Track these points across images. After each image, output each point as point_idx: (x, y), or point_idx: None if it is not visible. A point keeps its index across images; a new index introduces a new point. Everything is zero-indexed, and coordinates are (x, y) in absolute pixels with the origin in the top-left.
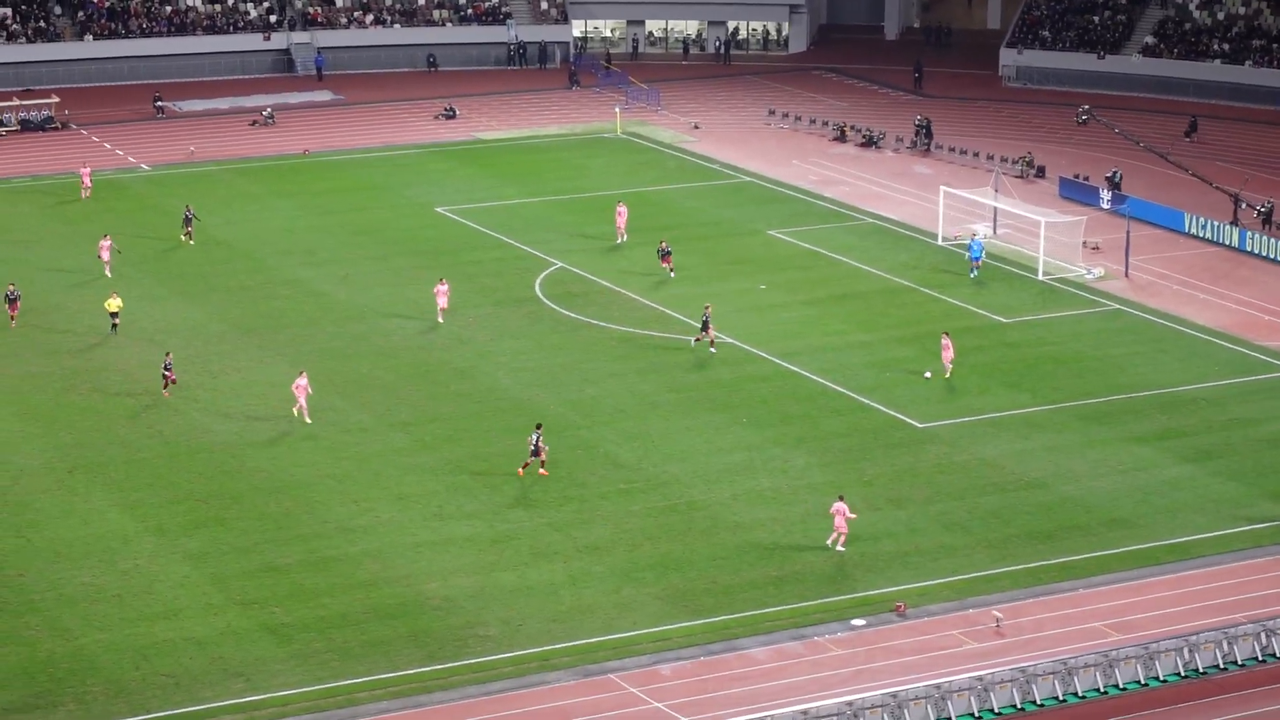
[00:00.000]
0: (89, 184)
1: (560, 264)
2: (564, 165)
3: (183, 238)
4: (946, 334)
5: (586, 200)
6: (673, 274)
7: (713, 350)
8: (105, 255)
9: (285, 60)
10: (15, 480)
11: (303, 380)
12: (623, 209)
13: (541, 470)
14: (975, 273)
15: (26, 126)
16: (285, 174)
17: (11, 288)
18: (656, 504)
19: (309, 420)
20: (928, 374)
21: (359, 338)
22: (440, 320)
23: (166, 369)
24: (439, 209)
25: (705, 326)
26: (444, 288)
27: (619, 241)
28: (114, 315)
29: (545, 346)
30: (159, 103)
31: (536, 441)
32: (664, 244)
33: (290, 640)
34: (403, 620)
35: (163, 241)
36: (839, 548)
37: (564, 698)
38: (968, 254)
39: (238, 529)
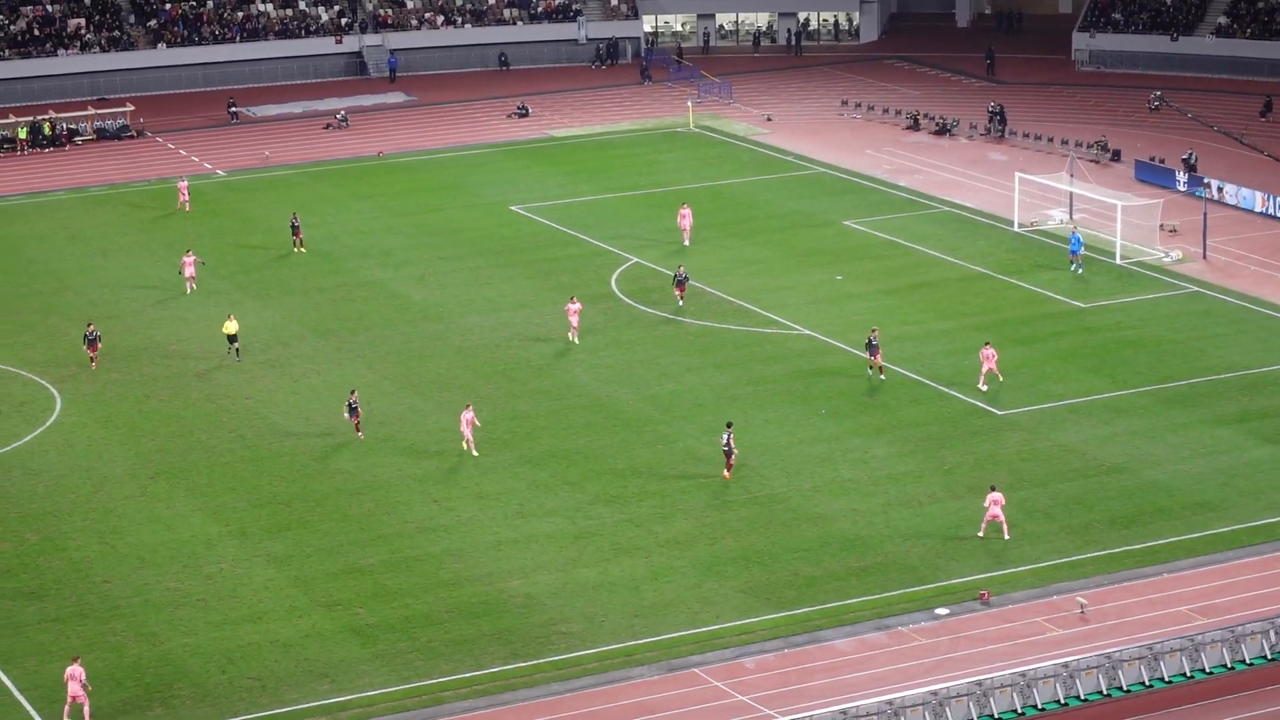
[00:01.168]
0: (186, 196)
1: (636, 259)
2: (637, 160)
3: (295, 249)
4: (989, 344)
5: (660, 195)
6: (681, 303)
7: (881, 377)
8: (189, 271)
9: (358, 63)
10: (98, 488)
11: (469, 414)
12: (686, 210)
13: (725, 473)
14: (1079, 268)
15: (102, 135)
16: (360, 176)
17: (90, 328)
18: (737, 497)
19: (476, 454)
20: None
21: (436, 337)
22: (574, 340)
23: (352, 407)
24: (514, 207)
25: (873, 350)
26: (576, 306)
27: (685, 245)
28: (232, 338)
29: (622, 342)
30: (233, 108)
31: (728, 441)
32: (681, 270)
33: (374, 641)
34: (486, 619)
35: (239, 245)
36: (1004, 537)
37: (648, 693)
38: (1068, 248)
39: (321, 531)
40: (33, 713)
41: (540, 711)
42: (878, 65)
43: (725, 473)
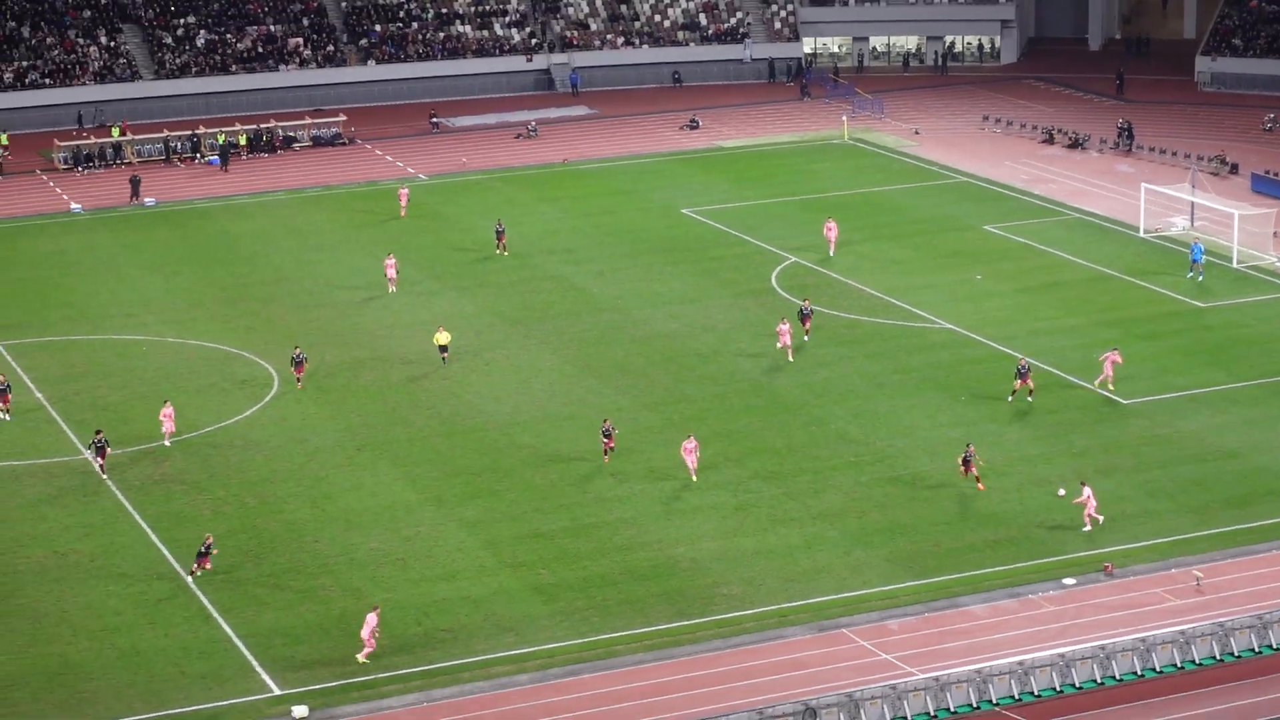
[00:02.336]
0: (405, 202)
1: (794, 259)
2: (796, 169)
3: (498, 250)
4: (1116, 348)
5: (817, 201)
6: (807, 337)
7: (1030, 399)
8: (391, 273)
9: (546, 79)
10: (310, 458)
11: (691, 443)
12: (832, 224)
13: (979, 484)
14: (1198, 275)
15: (317, 142)
16: (547, 181)
17: (297, 350)
18: (884, 475)
19: (695, 478)
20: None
21: (614, 327)
22: (789, 359)
23: (606, 434)
24: (684, 210)
25: (1023, 375)
26: (785, 327)
27: (830, 255)
28: (443, 349)
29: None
30: (434, 119)
31: (968, 455)
32: (806, 304)
33: (555, 599)
34: (655, 580)
35: (438, 242)
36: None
37: (800, 650)
38: (1189, 255)
39: (508, 499)
40: (250, 658)
41: (702, 665)
42: (1016, 84)
43: (979, 484)
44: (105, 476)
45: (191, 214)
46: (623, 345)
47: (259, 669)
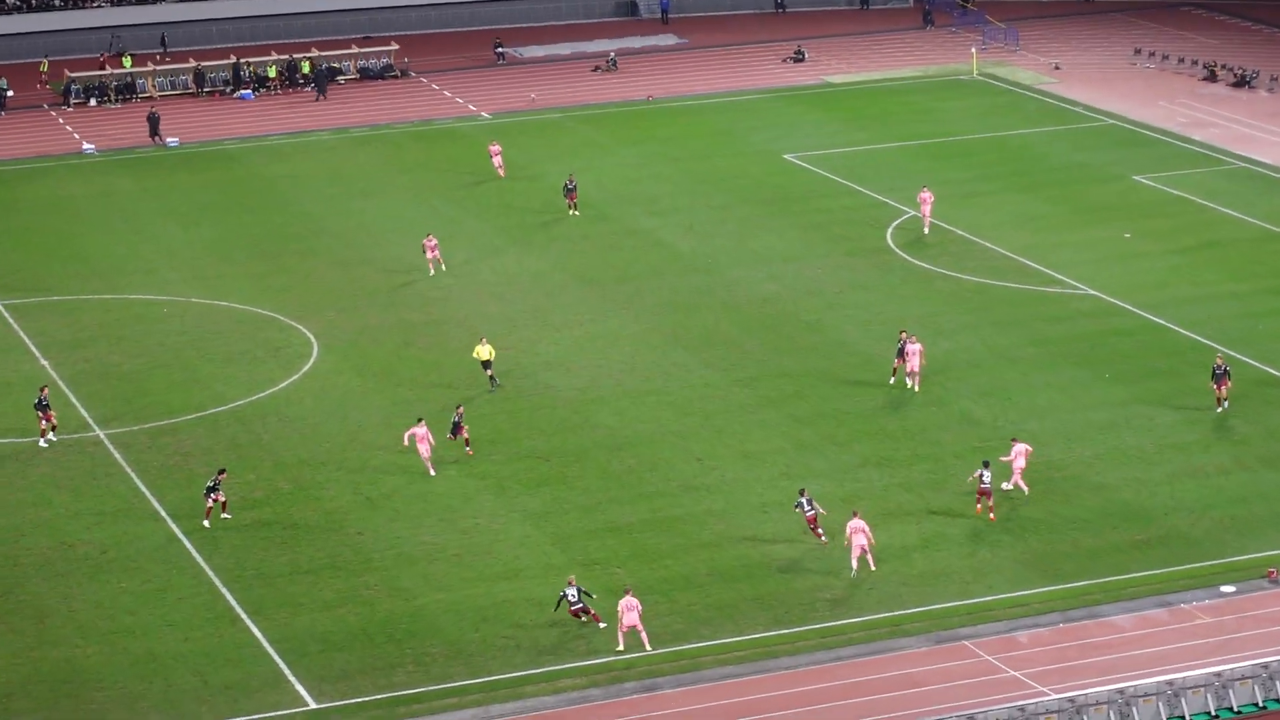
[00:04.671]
0: (500, 161)
1: (912, 212)
2: (917, 109)
3: (570, 211)
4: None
5: (941, 146)
6: (911, 383)
7: (1222, 407)
8: (432, 254)
9: (629, 4)
10: (353, 436)
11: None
12: (927, 195)
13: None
14: None
15: (365, 75)
16: (628, 121)
17: (459, 412)
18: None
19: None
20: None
21: (703, 290)
22: (914, 387)
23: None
24: (786, 155)
25: (1221, 379)
26: (917, 346)
27: (925, 230)
28: (486, 365)
29: (896, 298)
30: (499, 49)
31: (982, 478)
32: (906, 338)
33: None
34: (747, 583)
35: (502, 187)
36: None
37: (915, 664)
38: None
39: (579, 487)
40: (282, 666)
41: (802, 680)
42: (1173, 13)
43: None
44: (207, 522)
45: (219, 156)
46: (714, 311)
47: (292, 679)
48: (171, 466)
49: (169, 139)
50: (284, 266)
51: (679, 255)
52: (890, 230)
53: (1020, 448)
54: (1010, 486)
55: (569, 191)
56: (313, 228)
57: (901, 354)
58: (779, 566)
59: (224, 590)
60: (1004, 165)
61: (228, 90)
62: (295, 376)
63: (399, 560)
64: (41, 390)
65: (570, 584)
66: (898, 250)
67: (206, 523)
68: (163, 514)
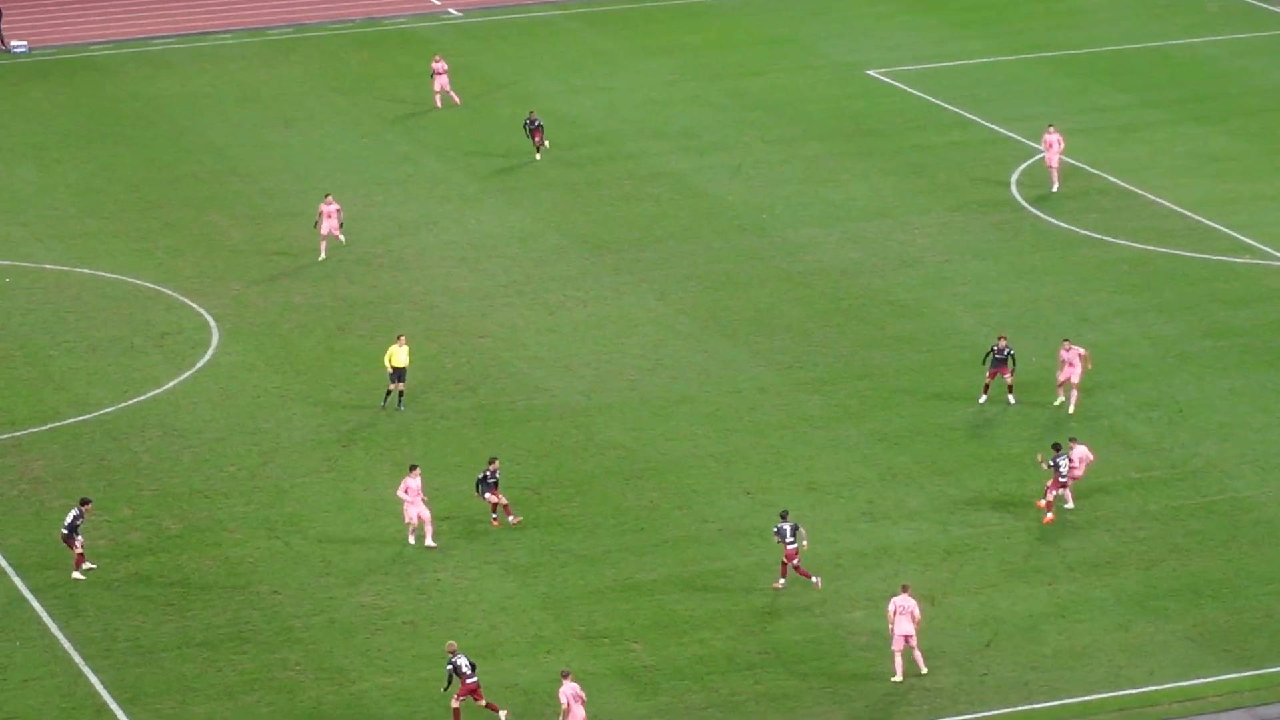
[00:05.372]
0: (445, 86)
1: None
2: (1053, 6)
3: (536, 154)
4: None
5: (1084, 58)
6: (1011, 397)
7: None
8: (327, 227)
9: None
10: (268, 458)
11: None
12: (1054, 136)
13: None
14: None
15: None
16: (653, 22)
17: (491, 468)
18: (1185, 501)
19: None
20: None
21: (756, 256)
22: (1071, 409)
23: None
24: (870, 71)
25: None
26: (1079, 351)
27: (1054, 188)
28: (396, 376)
29: (1023, 270)
30: None
31: (1054, 465)
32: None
33: (655, 690)
34: (813, 663)
35: (474, 115)
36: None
37: None
38: None
39: (582, 529)
40: None
41: None
42: None
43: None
44: (78, 573)
45: (84, 66)
46: (769, 286)
47: None
48: (14, 497)
49: (13, 43)
50: (174, 221)
51: (722, 208)
52: (1015, 176)
53: (1081, 451)
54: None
55: (532, 129)
56: (215, 168)
57: (1063, 365)
58: (858, 644)
59: (85, 669)
60: (1174, 87)
61: None
62: (188, 373)
63: (330, 629)
64: None
65: (453, 653)
66: (1026, 204)
67: (78, 574)
68: (2, 563)
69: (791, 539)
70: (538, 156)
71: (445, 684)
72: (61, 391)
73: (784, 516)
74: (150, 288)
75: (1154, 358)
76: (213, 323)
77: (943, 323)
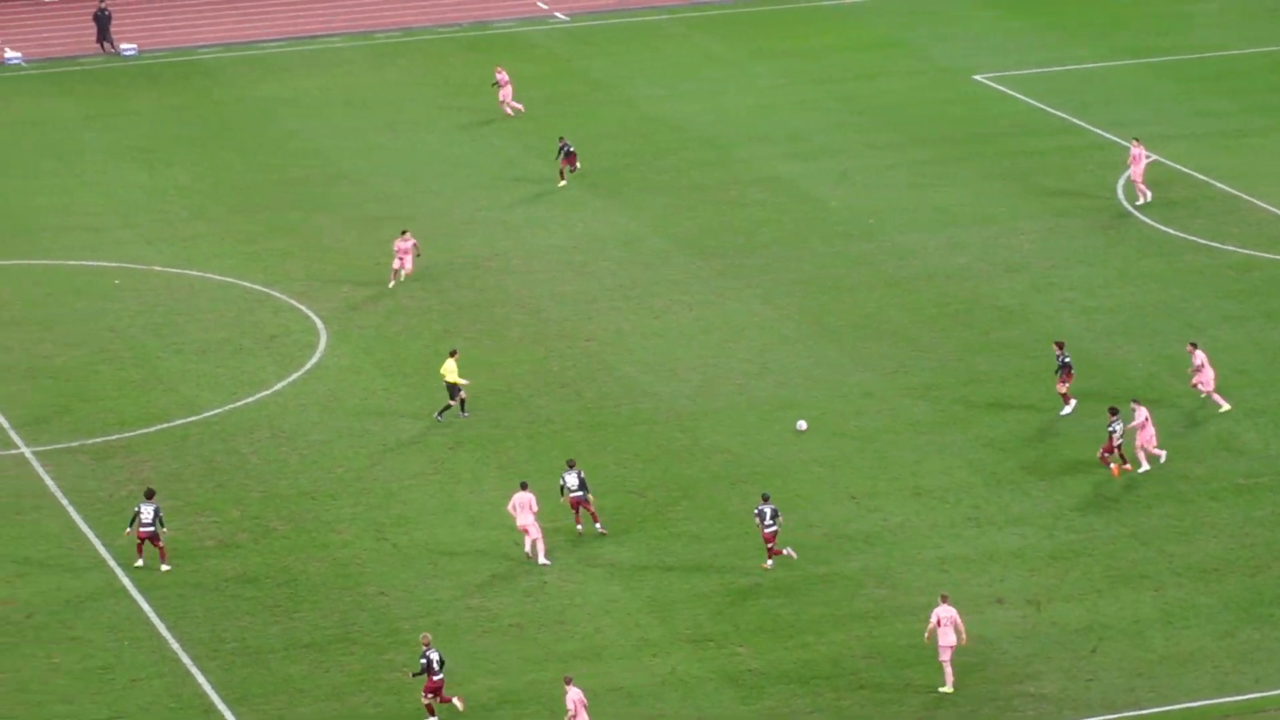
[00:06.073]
0: (508, 96)
1: (1154, 156)
2: (1160, 11)
3: (562, 181)
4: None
5: (1193, 64)
6: (1067, 407)
7: None
8: (400, 262)
9: None
10: (375, 460)
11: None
12: (1139, 150)
13: (1114, 468)
14: None
15: None
16: (760, 27)
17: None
18: None
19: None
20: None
21: (862, 261)
22: (1223, 406)
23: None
24: (978, 76)
25: None
26: (1202, 356)
27: (1140, 201)
28: (453, 391)
29: (1131, 276)
30: None
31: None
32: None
33: (760, 694)
34: (920, 668)
35: (583, 117)
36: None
37: None
38: None
39: (687, 534)
40: None
41: None
42: None
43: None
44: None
45: (193, 70)
46: (875, 291)
47: None
48: (123, 498)
49: (123, 46)
50: (282, 224)
51: (829, 213)
52: (1122, 182)
53: (1144, 412)
54: (1151, 458)
55: (566, 154)
56: (323, 171)
57: (1198, 369)
58: (961, 647)
59: (194, 670)
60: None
61: None
62: (296, 376)
63: (436, 632)
64: None
65: (428, 645)
66: (1131, 210)
67: (140, 561)
68: (110, 563)
69: (771, 522)
70: (562, 183)
71: (418, 671)
72: (170, 393)
73: (765, 499)
74: (259, 290)
75: (1261, 364)
76: (320, 325)
77: (1048, 328)
